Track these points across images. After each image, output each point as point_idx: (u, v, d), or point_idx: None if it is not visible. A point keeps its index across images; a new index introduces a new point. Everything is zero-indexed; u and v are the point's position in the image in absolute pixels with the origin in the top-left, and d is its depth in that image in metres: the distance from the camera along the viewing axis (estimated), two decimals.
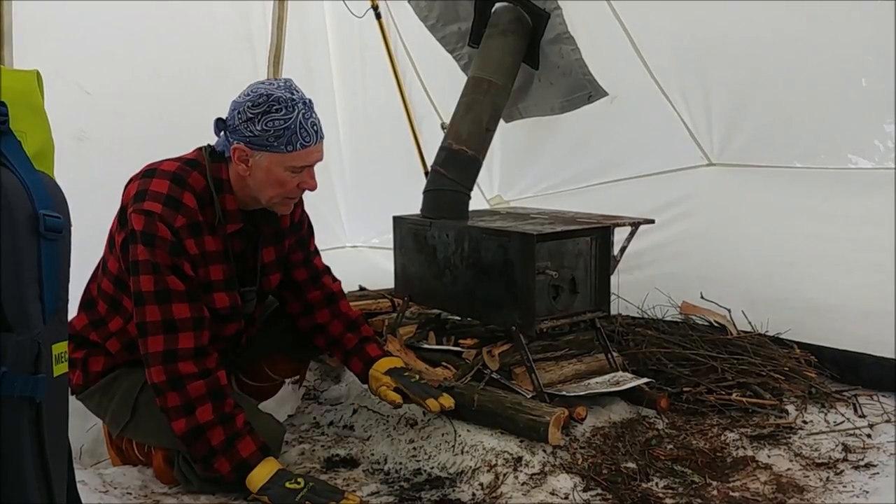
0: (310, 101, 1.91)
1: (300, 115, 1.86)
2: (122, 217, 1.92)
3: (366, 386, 2.20)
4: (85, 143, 2.84)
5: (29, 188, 1.01)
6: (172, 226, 1.86)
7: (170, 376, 1.83)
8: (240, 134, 1.87)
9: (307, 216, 2.26)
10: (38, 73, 1.21)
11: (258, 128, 1.84)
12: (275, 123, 1.84)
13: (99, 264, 2.06)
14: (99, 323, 2.03)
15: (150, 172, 1.92)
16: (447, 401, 2.05)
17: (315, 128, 1.90)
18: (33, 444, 0.98)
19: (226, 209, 1.95)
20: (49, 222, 1.01)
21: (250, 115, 1.85)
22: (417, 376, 2.15)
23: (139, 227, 1.84)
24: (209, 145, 1.99)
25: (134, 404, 2.00)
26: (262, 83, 1.90)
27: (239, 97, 1.89)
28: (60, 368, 1.04)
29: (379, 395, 2.13)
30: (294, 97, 1.87)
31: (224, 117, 1.92)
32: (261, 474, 1.84)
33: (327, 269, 2.32)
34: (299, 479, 1.83)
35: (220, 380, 1.88)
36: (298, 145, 1.87)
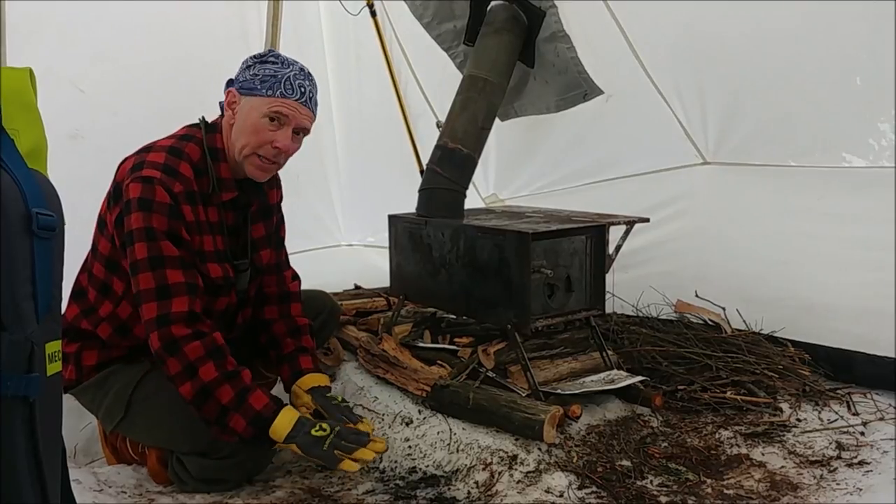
0: (311, 74, 1.99)
1: (293, 72, 1.95)
2: (115, 193, 1.93)
3: (359, 383, 2.20)
4: (79, 141, 2.83)
5: (22, 186, 1.01)
6: (171, 190, 1.88)
7: (164, 341, 1.83)
8: (236, 81, 1.97)
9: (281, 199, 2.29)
10: (31, 70, 1.21)
11: (250, 73, 1.94)
12: (266, 70, 1.93)
13: (88, 253, 2.06)
14: (89, 311, 2.03)
15: (146, 148, 1.97)
16: (367, 426, 1.99)
17: (302, 89, 1.96)
18: (27, 444, 0.98)
19: (220, 177, 1.99)
20: (42, 221, 1.01)
21: (249, 64, 1.97)
22: (340, 398, 2.11)
23: (136, 194, 1.85)
24: (203, 117, 2.04)
25: (128, 401, 1.99)
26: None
27: None
28: (54, 367, 1.03)
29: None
30: (297, 63, 1.98)
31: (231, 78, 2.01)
32: (283, 423, 1.84)
33: (289, 265, 2.32)
34: (324, 426, 1.83)
35: (217, 340, 1.87)
36: (279, 93, 1.92)
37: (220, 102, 2.03)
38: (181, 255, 1.88)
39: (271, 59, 1.95)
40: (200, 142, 1.98)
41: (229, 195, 2.00)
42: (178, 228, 1.88)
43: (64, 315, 2.03)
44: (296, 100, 1.94)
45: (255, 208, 2.12)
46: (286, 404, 1.90)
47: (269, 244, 2.18)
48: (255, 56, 1.98)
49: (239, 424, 1.83)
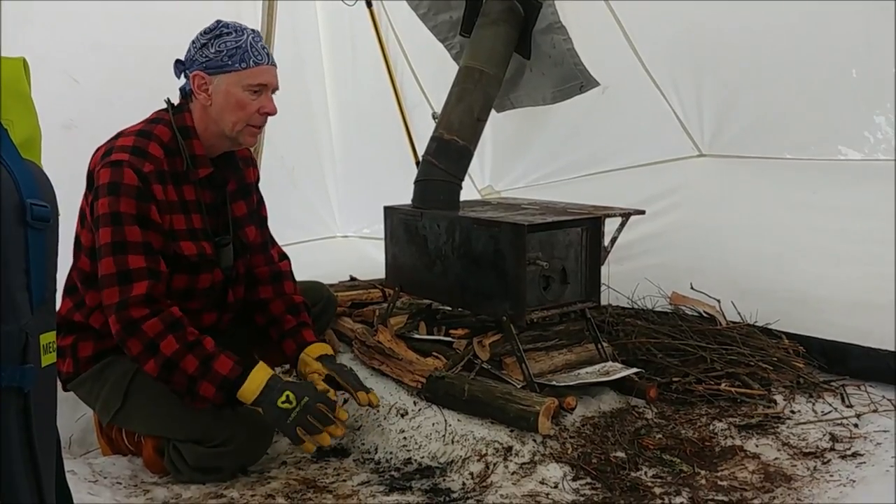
0: (256, 31, 2.02)
1: (249, 37, 1.98)
2: (89, 182, 1.95)
3: (356, 366, 2.19)
4: (73, 131, 2.82)
5: (16, 177, 1.00)
6: (141, 171, 1.89)
7: (123, 323, 1.85)
8: (196, 63, 1.97)
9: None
10: (24, 60, 1.20)
11: (212, 51, 1.95)
12: (227, 44, 1.95)
13: (73, 247, 2.06)
14: (80, 303, 2.04)
15: (116, 135, 1.99)
16: (374, 398, 2.08)
17: (265, 50, 2.01)
18: (21, 435, 0.98)
19: (194, 154, 2.00)
20: (36, 211, 1.00)
21: (203, 42, 1.97)
22: (349, 367, 2.15)
23: (105, 179, 1.88)
24: (168, 99, 2.05)
25: (126, 391, 1.99)
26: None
27: (192, 38, 2.01)
28: (48, 358, 1.03)
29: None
30: (241, 25, 2.00)
31: (180, 58, 2.00)
32: (252, 386, 1.86)
33: (275, 242, 2.32)
34: (291, 397, 1.84)
35: (175, 313, 1.89)
36: (252, 62, 1.96)
37: (181, 88, 2.03)
38: (145, 241, 1.89)
39: (224, 30, 1.96)
40: (169, 122, 2.00)
41: (205, 171, 2.02)
42: (147, 210, 1.90)
43: (59, 311, 2.03)
44: (267, 64, 1.99)
45: (234, 188, 2.13)
46: (256, 365, 1.91)
47: (252, 221, 2.18)
48: (203, 33, 1.98)
49: (208, 391, 1.86)
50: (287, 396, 1.84)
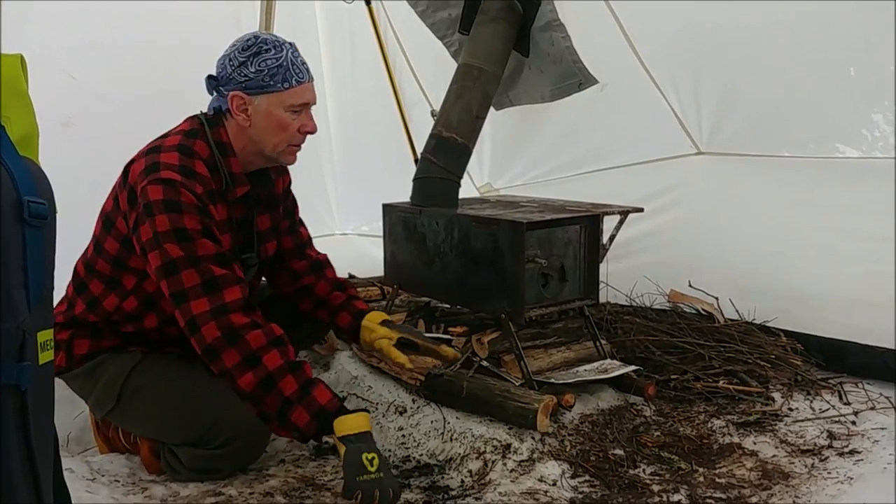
0: (294, 44, 1.93)
1: (289, 53, 1.88)
2: (130, 197, 1.85)
3: (353, 373, 2.19)
4: (71, 128, 2.81)
5: (13, 174, 1.00)
6: (195, 192, 1.81)
7: (224, 330, 1.73)
8: (234, 82, 1.87)
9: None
10: (22, 57, 1.19)
11: (252, 70, 1.85)
12: (268, 63, 1.85)
13: (91, 245, 2.02)
14: (93, 303, 1.99)
15: (155, 149, 1.88)
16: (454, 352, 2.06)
17: (305, 66, 1.91)
18: (19, 433, 0.98)
19: (232, 172, 1.92)
20: (34, 209, 1.00)
21: (241, 60, 1.86)
22: (410, 325, 2.13)
23: (159, 196, 1.78)
24: (202, 112, 1.97)
25: (119, 393, 1.98)
26: (244, 35, 1.91)
27: (224, 52, 1.90)
28: (46, 356, 1.03)
29: (378, 351, 2.08)
30: (279, 39, 1.90)
31: (213, 74, 1.91)
32: (349, 425, 1.72)
33: (310, 241, 2.30)
34: (376, 461, 1.68)
35: (276, 330, 1.78)
36: (294, 81, 1.87)
37: (215, 107, 1.94)
38: (219, 252, 1.80)
39: (263, 46, 1.86)
40: (206, 137, 1.91)
41: (242, 190, 1.95)
42: (211, 227, 1.82)
43: (68, 309, 2.02)
44: (308, 81, 1.91)
45: (262, 201, 2.06)
46: (363, 409, 1.80)
47: (274, 235, 2.14)
48: (241, 49, 1.87)
49: (301, 419, 1.73)
50: (373, 458, 1.68)
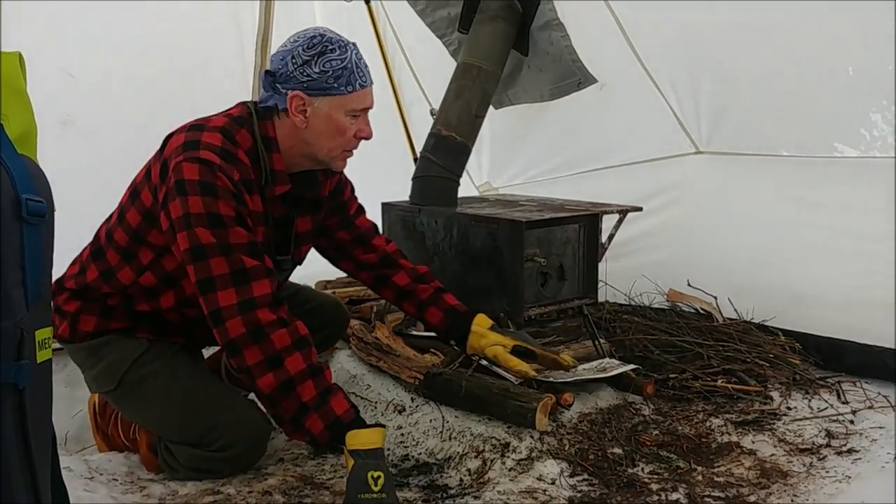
0: (356, 44, 1.86)
1: (353, 54, 1.81)
2: (163, 170, 1.77)
3: (352, 371, 2.19)
4: (69, 126, 2.81)
5: (11, 172, 1.00)
6: (232, 178, 1.74)
7: (250, 327, 1.68)
8: (295, 81, 1.78)
9: (347, 179, 2.17)
10: (20, 55, 1.19)
11: (316, 70, 1.77)
12: (333, 63, 1.77)
13: (115, 212, 1.96)
14: (108, 274, 1.92)
15: (198, 126, 1.81)
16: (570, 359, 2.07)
17: (367, 69, 1.85)
18: (17, 432, 0.98)
19: (273, 169, 1.85)
20: (32, 207, 1.00)
21: (306, 58, 1.77)
22: (521, 331, 2.08)
23: (194, 176, 1.71)
24: (254, 102, 1.89)
25: (120, 380, 1.94)
26: (306, 30, 1.84)
27: (284, 47, 1.81)
28: (44, 354, 1.03)
29: (490, 360, 2.04)
30: (343, 38, 1.82)
31: (269, 69, 1.83)
32: (361, 439, 1.67)
33: (375, 229, 2.21)
34: (381, 480, 1.62)
35: (301, 329, 1.74)
36: (357, 85, 1.81)
37: (269, 104, 1.84)
38: (251, 241, 1.74)
39: (328, 46, 1.77)
40: (252, 129, 1.83)
41: (282, 188, 1.87)
42: (245, 215, 1.76)
43: (83, 275, 1.95)
44: (370, 84, 1.85)
45: (305, 202, 1.99)
46: (378, 424, 1.78)
47: (311, 238, 2.08)
48: (306, 48, 1.77)
49: (316, 426, 1.70)
50: (379, 477, 1.62)
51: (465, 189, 2.91)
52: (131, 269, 1.90)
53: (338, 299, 2.47)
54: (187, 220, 1.71)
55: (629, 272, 2.98)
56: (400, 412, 2.22)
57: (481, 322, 2.07)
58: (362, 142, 1.97)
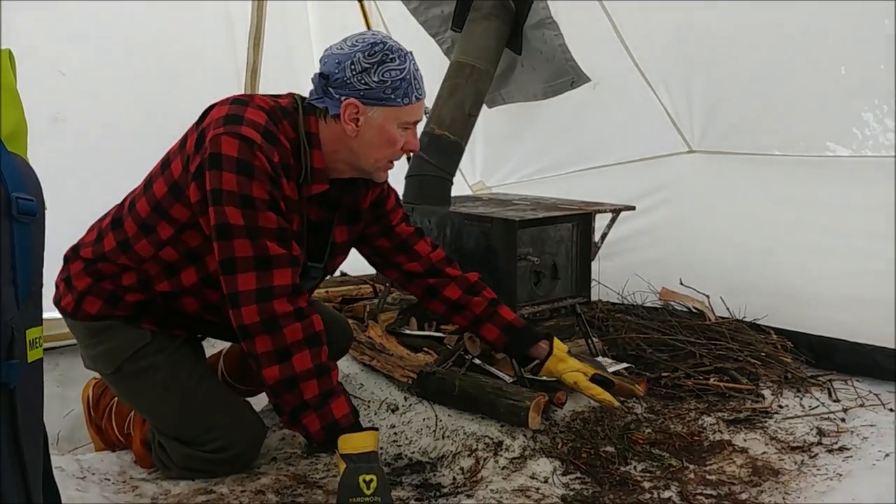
0: (412, 53, 1.82)
1: (411, 65, 1.76)
2: (199, 139, 1.70)
3: (345, 371, 2.18)
4: (60, 124, 2.80)
5: (1, 170, 0.99)
6: (271, 159, 1.68)
7: (264, 316, 1.65)
8: (351, 87, 1.71)
9: (392, 188, 2.09)
10: (10, 52, 1.18)
11: (375, 79, 1.71)
12: (392, 74, 1.72)
13: (143, 182, 1.89)
14: (125, 245, 1.84)
15: (243, 101, 1.75)
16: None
17: (422, 80, 1.79)
18: (7, 432, 0.97)
19: (313, 166, 1.78)
20: (22, 205, 0.99)
21: (366, 66, 1.70)
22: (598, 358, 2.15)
23: (232, 152, 1.65)
24: (301, 96, 1.83)
25: (119, 366, 1.90)
26: (363, 34, 1.79)
27: (341, 49, 1.74)
28: (35, 354, 1.02)
29: (572, 385, 2.03)
30: (402, 48, 1.76)
31: (322, 72, 1.75)
32: (353, 444, 1.66)
33: (419, 233, 2.11)
34: (374, 483, 1.61)
35: (316, 324, 1.70)
36: (414, 97, 1.75)
37: (320, 106, 1.76)
38: (280, 228, 1.69)
39: (388, 55, 1.72)
40: (296, 122, 1.76)
41: (319, 188, 1.80)
42: (279, 200, 1.69)
43: (100, 243, 1.88)
44: (423, 97, 1.79)
45: (345, 210, 1.93)
46: (372, 428, 1.77)
47: (344, 251, 2.02)
48: (367, 55, 1.70)
49: (313, 425, 1.68)
50: (371, 480, 1.61)
51: (459, 188, 2.91)
52: (149, 242, 1.83)
53: (343, 317, 2.42)
54: (218, 196, 1.66)
55: (622, 271, 2.98)
56: (393, 411, 2.22)
57: (559, 347, 2.05)
58: None
